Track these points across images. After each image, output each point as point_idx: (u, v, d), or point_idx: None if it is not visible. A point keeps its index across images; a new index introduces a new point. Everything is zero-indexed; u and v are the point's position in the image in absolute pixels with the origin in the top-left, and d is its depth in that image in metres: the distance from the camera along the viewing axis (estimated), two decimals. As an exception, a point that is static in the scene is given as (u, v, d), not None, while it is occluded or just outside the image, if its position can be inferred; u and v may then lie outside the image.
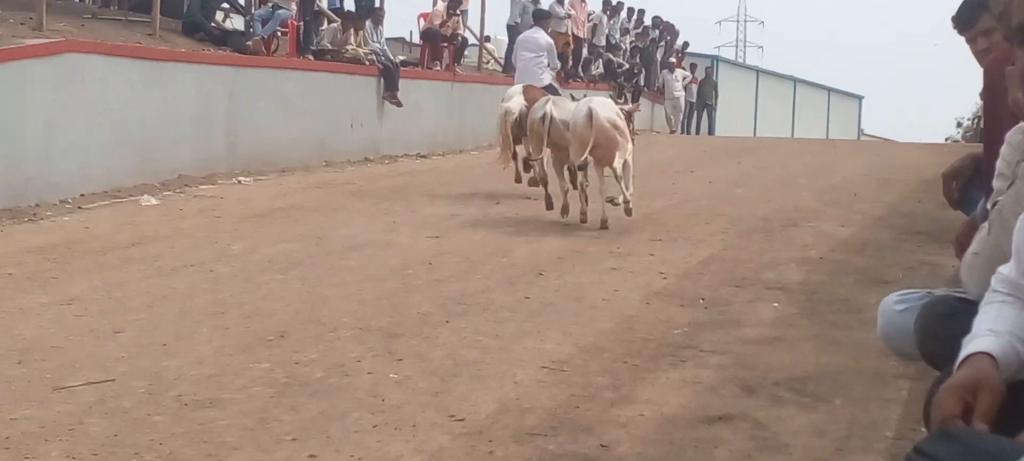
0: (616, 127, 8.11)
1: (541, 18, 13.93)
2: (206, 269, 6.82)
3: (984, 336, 1.84)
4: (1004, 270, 1.95)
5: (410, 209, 9.40)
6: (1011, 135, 2.41)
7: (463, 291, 6.23)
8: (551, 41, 12.98)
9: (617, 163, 8.02)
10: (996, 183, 2.34)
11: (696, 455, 3.80)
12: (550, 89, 11.00)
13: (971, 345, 1.83)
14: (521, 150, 9.71)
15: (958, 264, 2.72)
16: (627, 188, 8.18)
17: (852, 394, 4.48)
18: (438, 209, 9.47)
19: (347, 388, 4.45)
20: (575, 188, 8.47)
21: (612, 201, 8.09)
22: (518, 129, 9.40)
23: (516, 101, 9.66)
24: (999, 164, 2.37)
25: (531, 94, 9.70)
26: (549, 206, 8.85)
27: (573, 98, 9.33)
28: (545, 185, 8.93)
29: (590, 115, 7.95)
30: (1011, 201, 2.19)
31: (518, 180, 10.02)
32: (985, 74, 3.32)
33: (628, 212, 8.29)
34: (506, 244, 7.71)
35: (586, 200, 8.40)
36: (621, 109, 8.73)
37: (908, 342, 2.74)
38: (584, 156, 7.89)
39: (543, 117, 8.56)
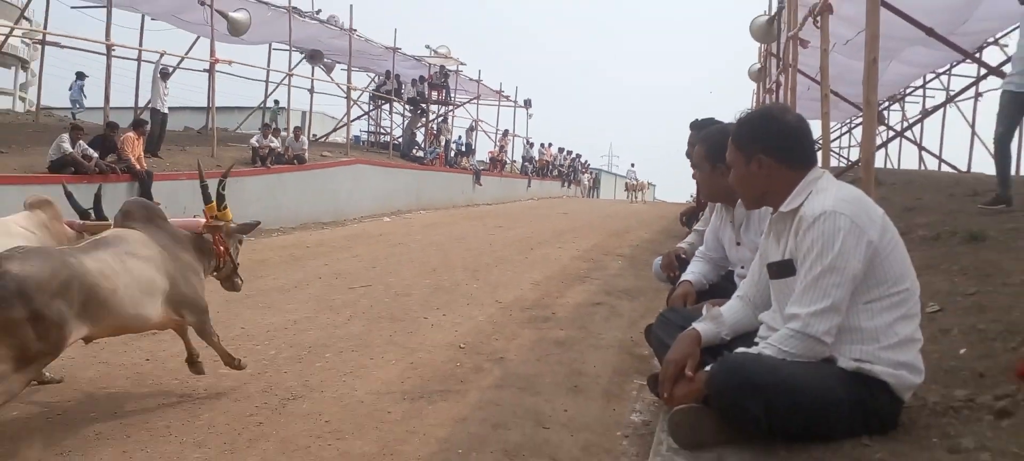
0: (642, 184, 42.38)
1: (632, 167, 47.24)
2: (407, 246, 13.41)
3: (689, 274, 4.13)
4: (700, 248, 4.20)
5: (484, 226, 18.10)
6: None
7: (503, 255, 12.33)
8: (638, 180, 45.46)
9: (647, 195, 41.16)
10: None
11: (589, 316, 7.75)
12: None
13: (683, 278, 4.13)
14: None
15: (685, 248, 4.96)
16: (646, 195, 40.96)
17: (648, 296, 8.67)
18: (496, 224, 18.66)
19: (458, 289, 9.14)
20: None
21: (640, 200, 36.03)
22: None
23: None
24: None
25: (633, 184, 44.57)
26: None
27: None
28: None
29: (636, 183, 43.28)
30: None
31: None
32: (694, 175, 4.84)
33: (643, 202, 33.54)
34: (521, 239, 15.15)
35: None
36: (642, 185, 44.17)
37: (662, 276, 4.91)
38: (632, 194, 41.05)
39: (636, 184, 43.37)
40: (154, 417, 4.98)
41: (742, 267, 3.91)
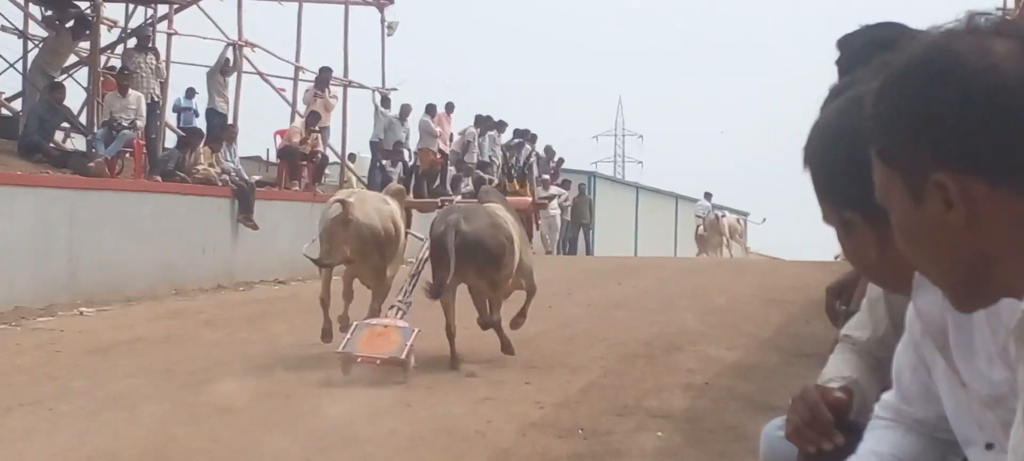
0: (736, 225, 24.42)
1: (708, 198, 24.58)
2: (45, 408, 5.47)
3: (867, 456, 1.45)
4: (887, 397, 1.51)
5: (268, 339, 7.71)
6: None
7: (325, 425, 5.02)
8: (723, 216, 23.88)
9: (741, 242, 25.09)
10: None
11: None
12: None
13: None
14: None
15: (841, 382, 1.77)
16: (742, 241, 25.18)
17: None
18: (297, 338, 7.63)
19: None
20: None
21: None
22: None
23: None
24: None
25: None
26: None
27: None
28: None
29: (724, 222, 23.75)
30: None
31: None
32: None
33: None
34: (371, 375, 6.04)
35: None
36: (738, 226, 24.72)
37: None
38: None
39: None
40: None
41: (989, 448, 1.12)
